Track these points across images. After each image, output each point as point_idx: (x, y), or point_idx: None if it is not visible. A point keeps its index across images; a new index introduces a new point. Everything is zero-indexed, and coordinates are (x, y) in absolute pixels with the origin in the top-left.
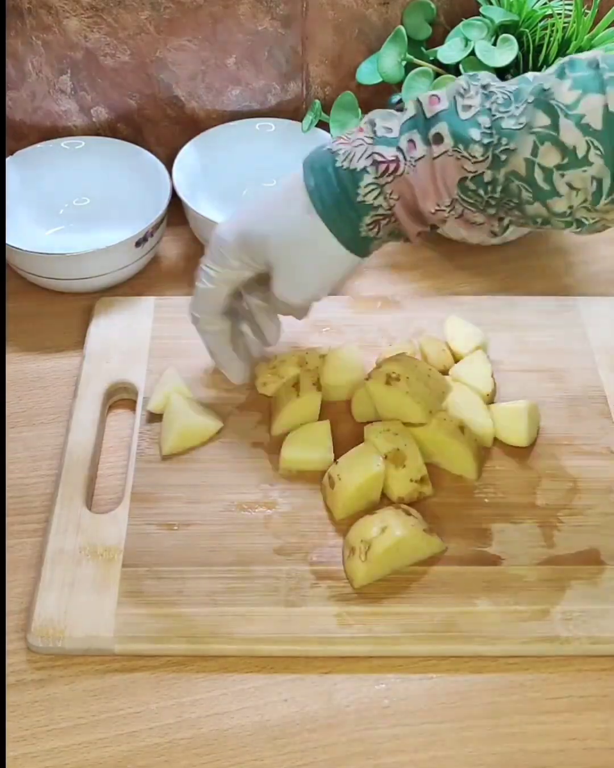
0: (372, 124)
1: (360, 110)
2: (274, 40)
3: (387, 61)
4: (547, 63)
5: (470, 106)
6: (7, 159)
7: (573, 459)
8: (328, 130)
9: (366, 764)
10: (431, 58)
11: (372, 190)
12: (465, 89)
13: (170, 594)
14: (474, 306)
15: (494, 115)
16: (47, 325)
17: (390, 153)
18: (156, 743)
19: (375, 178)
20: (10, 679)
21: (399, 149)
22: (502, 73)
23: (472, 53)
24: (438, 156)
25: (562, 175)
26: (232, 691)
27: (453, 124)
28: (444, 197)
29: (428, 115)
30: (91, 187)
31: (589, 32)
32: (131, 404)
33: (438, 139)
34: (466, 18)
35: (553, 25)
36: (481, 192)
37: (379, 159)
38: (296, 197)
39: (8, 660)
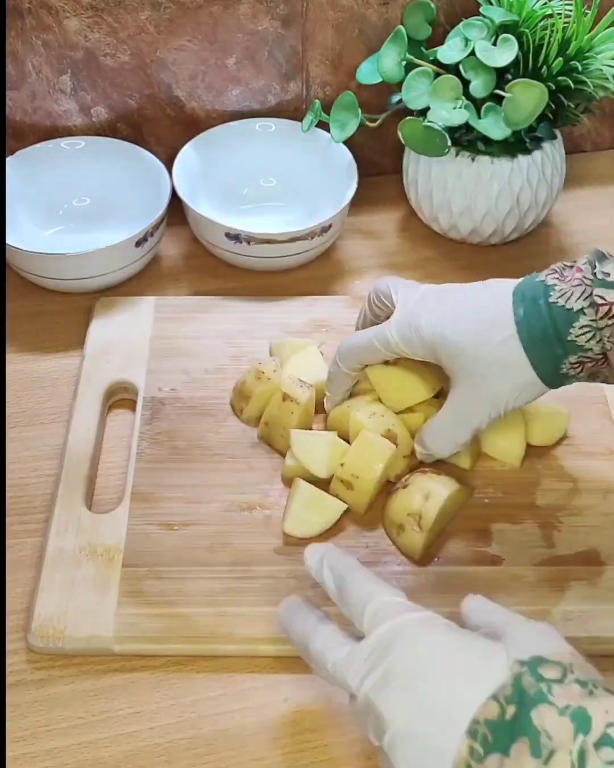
0: (593, 266)
1: (360, 110)
2: (274, 40)
3: (387, 61)
4: (547, 63)
5: None
6: (7, 159)
7: (573, 459)
8: (328, 130)
9: (366, 764)
10: (431, 58)
11: (587, 332)
12: None
13: (170, 594)
14: None
15: None
16: (47, 325)
17: (611, 296)
18: (156, 743)
19: (593, 320)
20: (10, 679)
21: None
22: (502, 72)
23: (472, 53)
24: None
25: None
26: (232, 691)
27: None
28: None
29: None
30: (91, 187)
31: (589, 32)
32: (131, 404)
33: None
34: (466, 18)
35: (553, 25)
36: None
37: (600, 301)
38: (501, 321)
39: (8, 660)
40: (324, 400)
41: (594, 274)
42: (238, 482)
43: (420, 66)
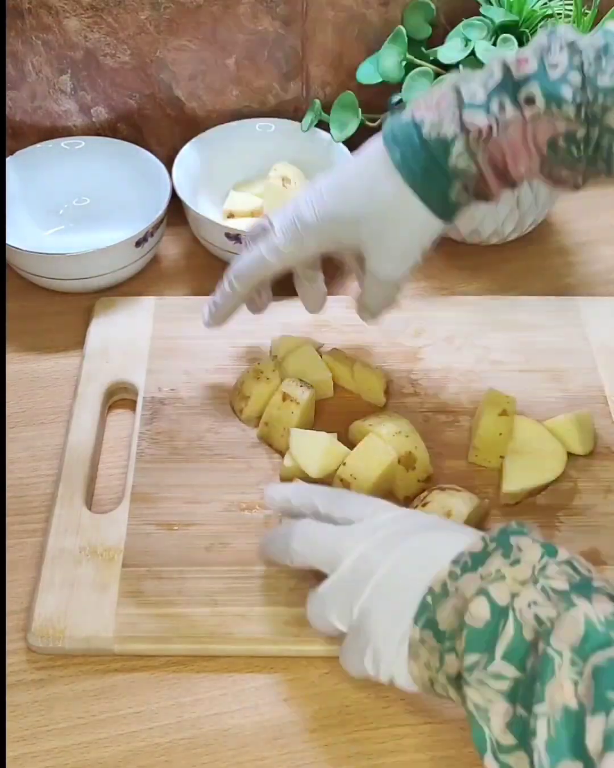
0: (457, 90)
1: (360, 110)
2: (273, 40)
3: (387, 61)
4: None
5: (557, 65)
6: (7, 159)
7: (573, 459)
8: (328, 130)
9: (366, 764)
10: (431, 58)
11: (464, 155)
12: (547, 47)
13: (170, 594)
14: (474, 306)
15: (586, 73)
16: (47, 325)
17: (481, 119)
18: (156, 743)
19: (466, 144)
20: (10, 679)
21: (490, 113)
22: None
23: (472, 53)
24: (529, 117)
25: None
26: (232, 691)
27: (544, 85)
28: (535, 157)
29: (516, 77)
30: (91, 187)
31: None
32: (131, 404)
33: (529, 100)
34: (466, 18)
35: (553, 25)
36: (573, 150)
37: (471, 126)
38: (382, 172)
39: (8, 660)
40: (207, 319)
41: (460, 98)
42: (237, 482)
43: (420, 66)
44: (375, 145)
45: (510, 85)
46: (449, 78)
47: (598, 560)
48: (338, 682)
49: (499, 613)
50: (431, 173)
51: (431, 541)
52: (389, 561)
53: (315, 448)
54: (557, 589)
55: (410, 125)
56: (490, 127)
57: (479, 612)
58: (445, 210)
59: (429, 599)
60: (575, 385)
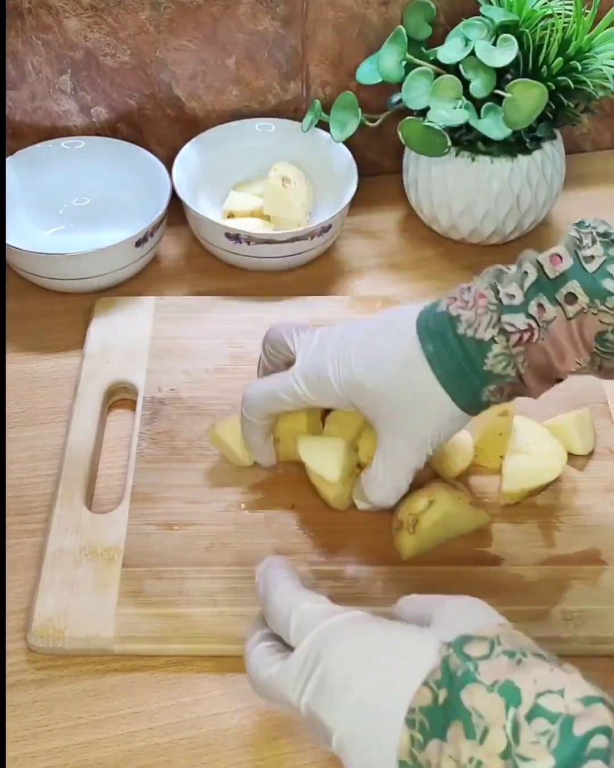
0: (495, 290)
1: (360, 110)
2: (273, 40)
3: (387, 61)
4: (547, 63)
5: (592, 257)
6: (7, 159)
7: (573, 459)
8: (328, 130)
9: None
10: (431, 58)
11: (502, 360)
12: (579, 240)
13: (170, 594)
14: None
15: None
16: (47, 325)
17: (521, 322)
18: (156, 743)
19: (505, 347)
20: (10, 679)
21: (529, 316)
22: (502, 72)
23: (472, 53)
24: (573, 316)
25: None
26: (232, 691)
27: (583, 282)
28: (584, 354)
29: (551, 275)
30: (91, 187)
31: (589, 32)
32: (131, 404)
33: (572, 299)
34: (466, 18)
35: (553, 25)
36: None
37: (511, 329)
38: (413, 360)
39: (8, 660)
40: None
41: (499, 299)
42: (237, 482)
43: (420, 66)
44: (408, 328)
45: (547, 284)
46: (486, 273)
47: (598, 560)
48: None
49: None
50: (464, 373)
51: (378, 683)
52: (341, 721)
53: (329, 452)
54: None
55: (445, 320)
56: (531, 330)
57: None
58: (475, 407)
59: None
60: (575, 385)
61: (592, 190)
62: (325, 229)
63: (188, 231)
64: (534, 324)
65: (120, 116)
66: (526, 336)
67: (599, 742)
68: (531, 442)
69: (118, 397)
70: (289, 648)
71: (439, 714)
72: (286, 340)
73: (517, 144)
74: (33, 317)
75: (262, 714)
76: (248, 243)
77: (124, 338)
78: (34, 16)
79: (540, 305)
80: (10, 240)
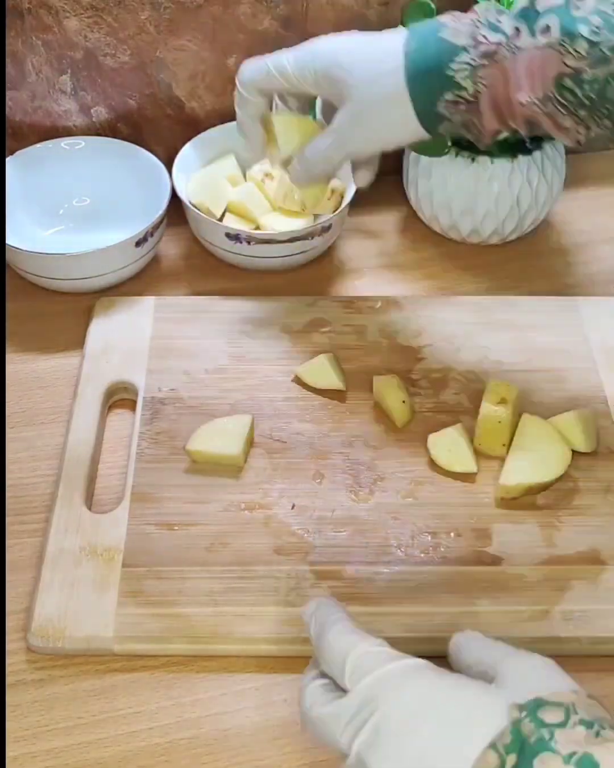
0: (486, 11)
1: None
2: (274, 40)
3: None
4: None
5: (582, 5)
6: (7, 159)
7: (574, 458)
8: None
9: None
10: None
11: (465, 68)
12: None
13: (170, 594)
14: (474, 306)
15: (608, 16)
16: (47, 325)
17: (493, 37)
18: (156, 743)
19: (472, 58)
20: (10, 679)
21: (503, 35)
22: None
23: None
24: (541, 46)
25: None
26: (232, 691)
27: (563, 18)
28: (538, 91)
29: (540, 8)
30: (91, 187)
31: None
32: (131, 404)
33: (545, 30)
34: None
35: None
36: (577, 91)
37: (481, 40)
38: (391, 55)
39: (8, 660)
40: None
41: (487, 18)
42: (238, 482)
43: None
44: (398, 32)
45: (532, 13)
46: (483, 2)
47: (598, 560)
48: None
49: None
50: (430, 74)
51: (439, 739)
52: None
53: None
54: None
55: (434, 23)
56: (499, 46)
57: None
58: (428, 118)
59: None
60: (575, 385)
61: (592, 190)
62: (325, 228)
63: (188, 231)
64: (504, 41)
65: (120, 116)
66: (493, 49)
67: None
68: (537, 440)
69: (118, 397)
70: (341, 689)
71: None
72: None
73: (517, 144)
74: (33, 317)
75: (262, 714)
76: (248, 243)
77: (124, 338)
78: (34, 16)
79: (516, 28)
80: (10, 240)
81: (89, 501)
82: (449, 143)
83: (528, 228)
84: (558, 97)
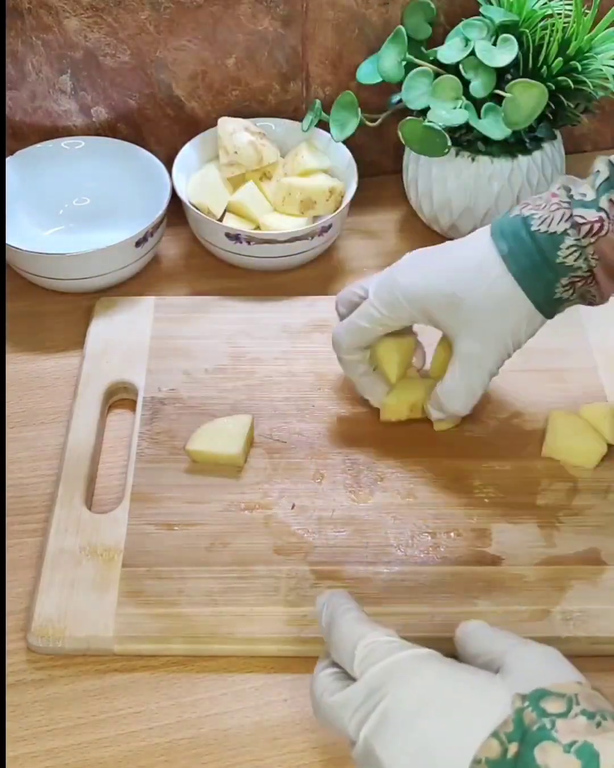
0: (567, 189)
1: (360, 110)
2: (273, 40)
3: (387, 61)
4: (547, 63)
5: None
6: (7, 159)
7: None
8: (328, 130)
9: None
10: (431, 58)
11: (574, 251)
12: None
13: (170, 594)
14: None
15: None
16: (47, 325)
17: (591, 215)
18: (156, 743)
19: (577, 239)
20: (10, 679)
21: (600, 209)
22: (502, 72)
23: (472, 53)
24: None
25: None
26: (232, 691)
27: None
28: None
29: None
30: (91, 187)
31: (589, 32)
32: (131, 404)
33: None
34: (466, 18)
35: (553, 25)
36: None
37: (581, 221)
38: (488, 263)
39: (8, 660)
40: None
41: (570, 197)
42: (238, 482)
43: (420, 66)
44: (481, 236)
45: None
46: (558, 179)
47: (598, 560)
48: None
49: None
50: (538, 268)
51: (444, 726)
52: (401, 762)
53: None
54: None
55: (518, 220)
56: (601, 222)
57: None
58: (549, 306)
59: None
60: (575, 385)
61: None
62: (325, 229)
63: (188, 231)
64: (604, 216)
65: (120, 116)
66: (597, 227)
67: None
68: (572, 433)
69: (118, 397)
70: (351, 678)
71: None
72: (355, 290)
73: (517, 144)
74: (33, 317)
75: (261, 714)
76: (248, 243)
77: (124, 338)
78: (34, 16)
79: (610, 200)
80: (10, 240)
81: (89, 501)
82: (449, 143)
83: None
84: None
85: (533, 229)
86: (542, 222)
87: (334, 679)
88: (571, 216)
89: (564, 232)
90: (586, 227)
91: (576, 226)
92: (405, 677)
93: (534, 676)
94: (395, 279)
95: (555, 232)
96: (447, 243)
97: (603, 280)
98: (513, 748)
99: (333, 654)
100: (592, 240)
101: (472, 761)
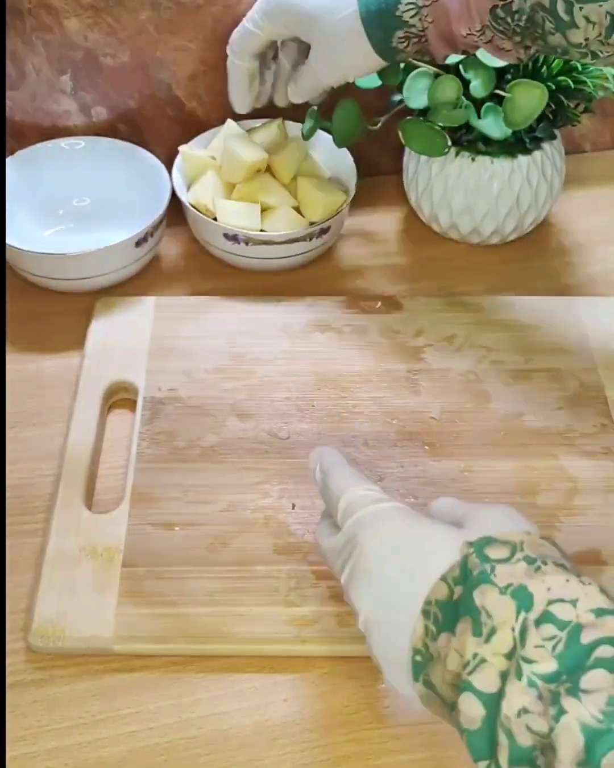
0: None
1: (361, 117)
2: None
3: None
4: (547, 63)
5: None
6: (7, 159)
7: (573, 459)
8: (328, 131)
9: (366, 764)
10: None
11: (411, 8)
12: None
13: (170, 594)
14: (474, 306)
15: None
16: (47, 325)
17: None
18: (156, 743)
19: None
20: (10, 679)
21: None
22: (502, 73)
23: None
24: None
25: (581, 9)
26: (231, 691)
27: None
28: (476, 23)
29: None
30: (90, 187)
31: None
32: (131, 404)
33: None
34: None
35: None
36: (509, 20)
37: None
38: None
39: (8, 660)
40: (233, 101)
41: None
42: (237, 482)
43: (419, 67)
44: None
45: None
46: None
47: (598, 560)
48: (338, 682)
49: (492, 702)
50: (383, 15)
51: (401, 572)
52: (366, 605)
53: None
54: (543, 675)
55: None
56: None
57: (470, 712)
58: (386, 52)
59: (418, 658)
60: (575, 385)
61: (592, 190)
62: (324, 231)
63: (188, 231)
64: None
65: (120, 116)
66: None
67: (605, 651)
68: None
69: (118, 397)
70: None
71: (452, 609)
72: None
73: (517, 144)
74: (33, 317)
75: (261, 714)
76: (246, 244)
77: (124, 338)
78: (34, 16)
79: None
80: (10, 240)
81: (89, 501)
82: (449, 143)
83: (528, 228)
84: (495, 25)
85: None
86: None
87: (329, 526)
88: None
89: None
90: None
91: None
92: (373, 528)
93: (487, 527)
94: None
95: None
96: None
97: (434, 42)
98: (458, 590)
99: (326, 506)
100: (427, 2)
101: (424, 602)
